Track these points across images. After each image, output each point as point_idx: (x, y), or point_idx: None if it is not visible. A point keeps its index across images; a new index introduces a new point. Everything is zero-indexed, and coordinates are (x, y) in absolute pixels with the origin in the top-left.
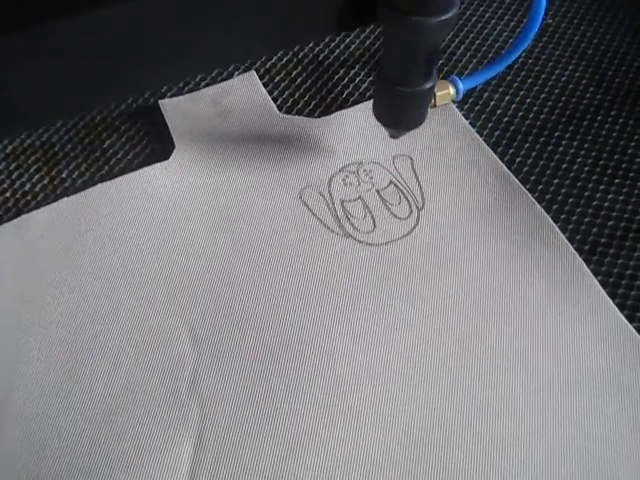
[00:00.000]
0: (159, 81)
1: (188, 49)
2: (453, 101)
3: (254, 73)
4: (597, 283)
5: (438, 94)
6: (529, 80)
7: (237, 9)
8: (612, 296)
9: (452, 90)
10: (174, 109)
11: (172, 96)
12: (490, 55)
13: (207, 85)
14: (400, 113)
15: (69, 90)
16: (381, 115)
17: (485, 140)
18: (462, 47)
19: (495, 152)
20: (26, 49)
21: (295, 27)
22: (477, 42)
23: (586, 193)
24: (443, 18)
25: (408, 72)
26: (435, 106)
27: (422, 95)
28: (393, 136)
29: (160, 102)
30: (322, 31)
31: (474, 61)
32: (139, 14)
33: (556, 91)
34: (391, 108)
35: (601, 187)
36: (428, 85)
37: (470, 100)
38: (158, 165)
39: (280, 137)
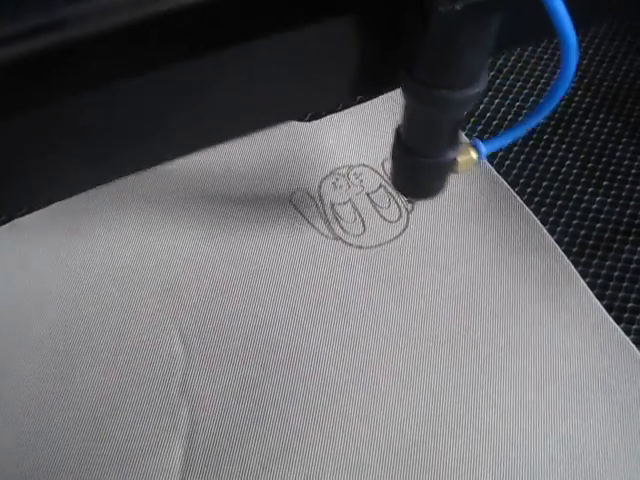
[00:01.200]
0: (173, 152)
1: (203, 119)
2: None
3: None
4: (585, 285)
5: (460, 160)
6: (518, 83)
7: (250, 80)
8: (600, 297)
9: (475, 155)
10: None
11: None
12: (509, 116)
13: None
14: (422, 183)
15: (83, 165)
16: (401, 184)
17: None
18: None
19: None
20: (39, 127)
21: (310, 94)
22: (496, 101)
23: (574, 195)
24: (471, 92)
25: (431, 144)
26: (457, 172)
27: (444, 165)
28: (410, 201)
29: None
30: (337, 97)
31: (496, 118)
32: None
33: (544, 94)
34: (412, 178)
35: (589, 189)
36: (451, 155)
37: None
38: (150, 170)
39: (271, 141)
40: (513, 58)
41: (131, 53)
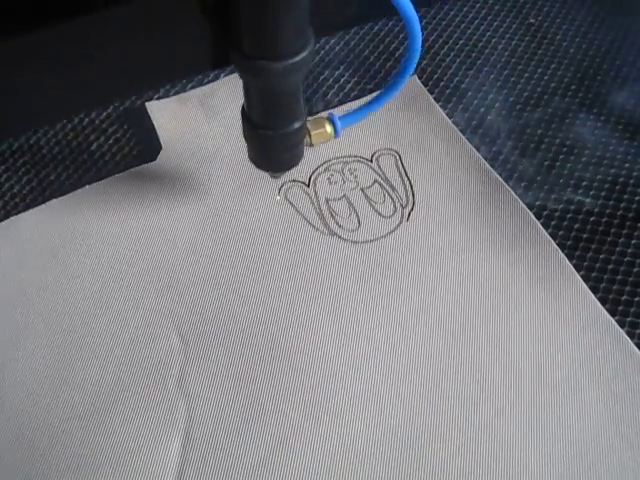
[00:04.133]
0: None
1: (167, 55)
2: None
3: None
4: (579, 278)
5: (313, 133)
6: (512, 79)
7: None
8: (594, 290)
9: (329, 128)
10: (161, 111)
11: (159, 98)
12: (473, 54)
13: (193, 87)
14: (270, 155)
15: (58, 95)
16: (256, 159)
17: (468, 139)
18: (445, 47)
19: (478, 150)
20: (20, 55)
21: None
22: (460, 42)
23: (568, 189)
24: (291, 61)
25: (269, 115)
26: (312, 145)
27: (289, 136)
28: (273, 176)
29: (147, 104)
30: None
31: (457, 60)
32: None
33: (538, 89)
34: (260, 151)
35: (583, 183)
36: (295, 126)
37: (453, 99)
38: (145, 166)
39: None
40: (507, 54)
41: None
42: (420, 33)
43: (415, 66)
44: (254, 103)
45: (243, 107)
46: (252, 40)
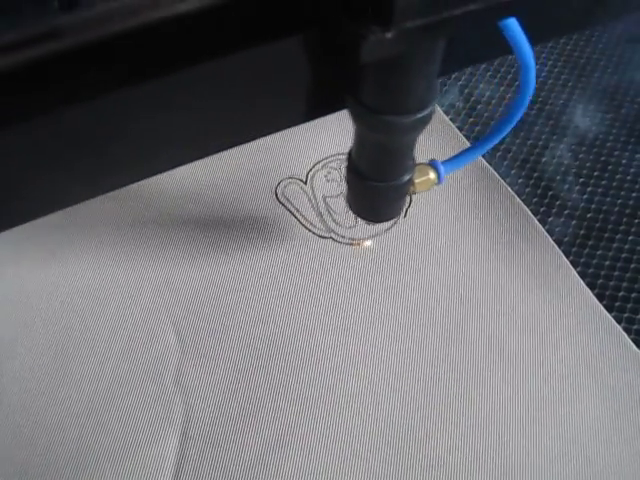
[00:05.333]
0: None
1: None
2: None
3: None
4: (576, 274)
5: (417, 181)
6: (509, 76)
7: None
8: (591, 287)
9: (433, 175)
10: None
11: None
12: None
13: None
14: (376, 207)
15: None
16: (357, 208)
17: (465, 135)
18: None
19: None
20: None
21: (261, 116)
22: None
23: (566, 186)
24: (420, 116)
25: (382, 168)
26: (415, 193)
27: (400, 188)
28: (369, 223)
29: None
30: (289, 120)
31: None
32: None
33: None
34: (366, 202)
35: (580, 180)
36: (405, 178)
37: (451, 96)
38: None
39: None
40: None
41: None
42: (534, 76)
43: (526, 107)
44: (368, 155)
45: (350, 155)
46: (380, 95)
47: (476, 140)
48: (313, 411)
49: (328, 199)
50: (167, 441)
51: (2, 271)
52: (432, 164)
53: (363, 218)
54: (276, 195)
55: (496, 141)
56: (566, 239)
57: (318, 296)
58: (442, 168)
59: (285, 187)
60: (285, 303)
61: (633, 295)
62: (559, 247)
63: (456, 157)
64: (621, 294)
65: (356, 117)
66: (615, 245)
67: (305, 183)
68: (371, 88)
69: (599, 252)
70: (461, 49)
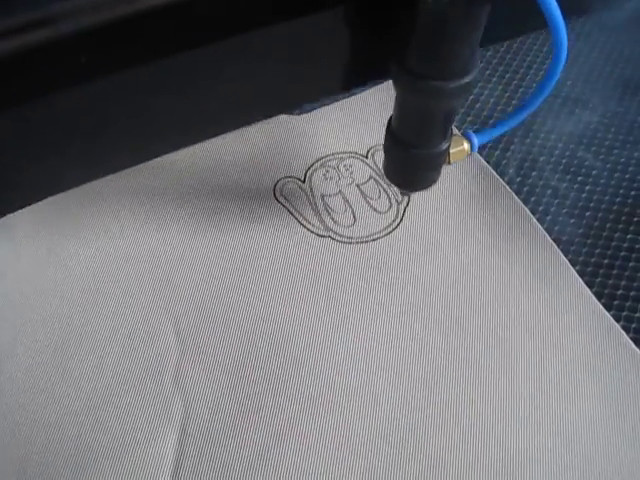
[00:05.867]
0: (168, 146)
1: (195, 113)
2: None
3: None
4: (575, 272)
5: (452, 151)
6: (507, 75)
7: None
8: (590, 285)
9: (467, 146)
10: None
11: None
12: (499, 107)
13: None
14: (414, 175)
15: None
16: (394, 176)
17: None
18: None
19: None
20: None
21: (301, 86)
22: (486, 92)
23: (564, 184)
24: (463, 82)
25: (423, 135)
26: (449, 163)
27: (437, 156)
28: (404, 193)
29: None
30: (328, 89)
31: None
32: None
33: (535, 85)
34: (404, 170)
35: (579, 178)
36: (444, 147)
37: None
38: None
39: (262, 134)
40: (502, 49)
41: (123, 47)
42: (566, 44)
43: (558, 77)
44: (409, 122)
45: (389, 123)
46: (424, 59)
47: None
48: (311, 412)
49: (326, 198)
50: (166, 439)
51: (2, 270)
52: (466, 135)
53: (398, 186)
54: (274, 194)
55: (528, 112)
56: (565, 238)
57: (317, 297)
58: (475, 139)
59: (283, 186)
60: (284, 304)
61: (632, 294)
62: (558, 246)
63: (487, 129)
64: (619, 292)
65: (402, 85)
66: (614, 244)
67: (303, 182)
68: (419, 55)
69: (597, 250)
70: (501, 22)
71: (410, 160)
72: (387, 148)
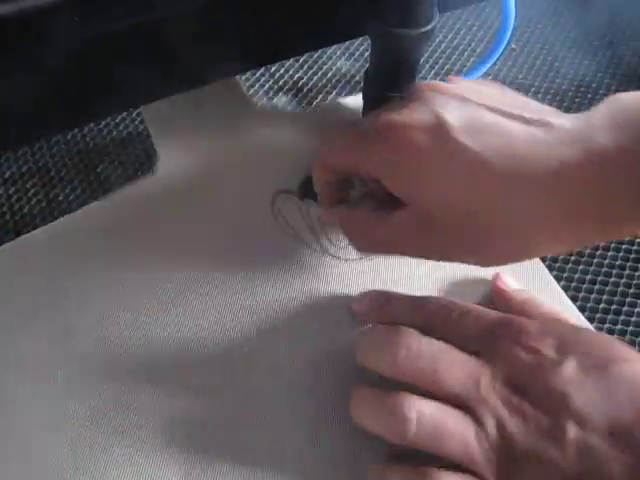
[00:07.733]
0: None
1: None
2: None
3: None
4: (559, 288)
5: None
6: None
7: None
8: (573, 299)
9: None
10: (155, 113)
11: None
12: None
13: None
14: None
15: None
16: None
17: None
18: (432, 72)
19: None
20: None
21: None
22: (446, 67)
23: None
24: (423, 30)
25: (395, 79)
26: None
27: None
28: None
29: (143, 107)
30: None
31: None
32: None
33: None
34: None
35: None
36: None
37: None
38: (145, 180)
39: (260, 140)
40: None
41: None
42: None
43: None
44: (384, 70)
45: (367, 72)
46: (401, 14)
47: None
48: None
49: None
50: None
51: (13, 293)
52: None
53: None
54: (272, 210)
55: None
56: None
57: (317, 315)
58: None
59: (283, 202)
60: (279, 326)
61: (613, 307)
62: (543, 262)
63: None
64: (602, 306)
65: (379, 36)
66: (596, 260)
67: (302, 200)
68: (395, 10)
69: (581, 267)
70: None
71: (384, 101)
72: (365, 94)
